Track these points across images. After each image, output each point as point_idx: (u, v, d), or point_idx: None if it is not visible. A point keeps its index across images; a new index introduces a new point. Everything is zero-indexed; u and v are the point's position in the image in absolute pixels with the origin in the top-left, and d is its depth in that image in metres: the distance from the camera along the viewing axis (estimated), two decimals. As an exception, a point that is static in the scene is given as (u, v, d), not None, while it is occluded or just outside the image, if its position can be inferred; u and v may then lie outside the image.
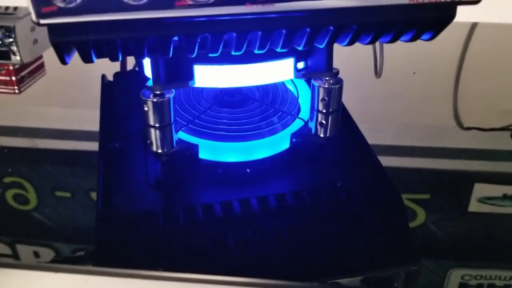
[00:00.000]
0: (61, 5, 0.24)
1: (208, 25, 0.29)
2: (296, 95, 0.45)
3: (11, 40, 0.63)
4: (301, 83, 0.46)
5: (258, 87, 0.45)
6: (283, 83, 0.46)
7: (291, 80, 0.45)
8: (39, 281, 0.29)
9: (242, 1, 0.27)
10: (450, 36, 0.72)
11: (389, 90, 0.59)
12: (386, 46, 0.62)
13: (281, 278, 0.32)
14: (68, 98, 0.56)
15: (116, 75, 0.51)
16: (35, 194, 0.41)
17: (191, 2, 0.27)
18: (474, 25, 0.74)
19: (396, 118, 0.54)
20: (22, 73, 0.61)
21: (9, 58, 0.62)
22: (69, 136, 0.51)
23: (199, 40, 0.30)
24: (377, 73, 0.60)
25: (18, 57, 0.63)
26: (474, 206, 0.41)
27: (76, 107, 0.55)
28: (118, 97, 0.43)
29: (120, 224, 0.36)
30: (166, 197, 0.39)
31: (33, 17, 0.26)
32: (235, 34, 0.30)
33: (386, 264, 0.35)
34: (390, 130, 0.52)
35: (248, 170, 0.39)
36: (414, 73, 0.57)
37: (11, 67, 0.61)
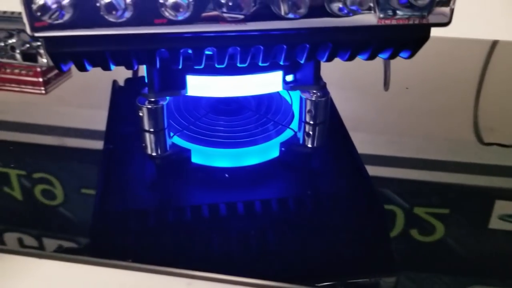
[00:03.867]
0: (49, 21, 0.28)
1: (186, 40, 0.32)
2: (290, 104, 0.47)
3: (38, 43, 0.68)
4: (296, 93, 0.48)
5: (254, 96, 0.48)
6: (278, 92, 0.48)
7: (286, 90, 0.48)
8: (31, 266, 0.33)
9: (216, 19, 0.30)
10: (472, 53, 0.73)
11: (410, 104, 0.60)
12: (411, 61, 0.64)
13: (259, 278, 0.35)
14: (92, 99, 0.59)
15: (127, 81, 0.54)
16: (62, 190, 0.45)
17: (168, 20, 0.29)
18: (495, 43, 0.75)
19: (416, 131, 0.55)
20: (49, 75, 0.65)
21: (36, 61, 0.67)
22: (95, 136, 0.54)
23: (181, 53, 0.33)
24: (385, 85, 0.61)
25: (45, 60, 0.67)
26: (494, 223, 0.41)
27: (100, 109, 0.58)
28: (126, 102, 0.46)
29: (113, 220, 0.40)
30: (157, 197, 0.42)
31: (28, 30, 0.29)
32: (215, 49, 0.33)
33: (363, 272, 0.36)
34: (409, 143, 0.53)
35: (226, 175, 0.42)
36: (407, 88, 0.58)
37: (38, 69, 0.66)
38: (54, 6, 0.27)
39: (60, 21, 0.28)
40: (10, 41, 0.67)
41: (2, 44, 0.67)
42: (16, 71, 0.65)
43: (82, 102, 0.60)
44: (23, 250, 0.38)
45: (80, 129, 0.56)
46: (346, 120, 0.55)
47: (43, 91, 0.63)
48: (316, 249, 0.38)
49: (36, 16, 0.28)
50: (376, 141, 0.53)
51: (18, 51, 0.66)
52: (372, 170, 0.48)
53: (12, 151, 0.51)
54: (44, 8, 0.27)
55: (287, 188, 0.43)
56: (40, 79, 0.65)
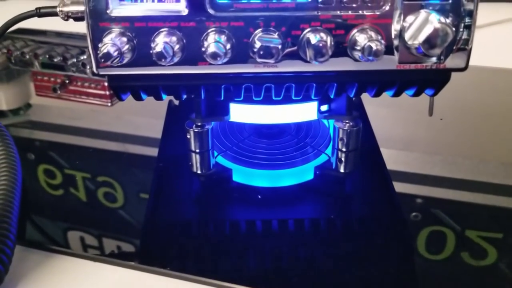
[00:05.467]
0: (112, 64, 0.34)
1: (226, 78, 0.37)
2: (327, 128, 0.52)
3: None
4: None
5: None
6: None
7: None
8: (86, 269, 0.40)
9: (248, 60, 0.36)
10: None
11: (466, 126, 0.63)
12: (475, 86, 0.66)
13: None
14: (153, 110, 0.64)
15: (182, 100, 0.61)
16: (122, 194, 0.51)
17: (209, 63, 0.35)
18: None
19: (471, 154, 0.58)
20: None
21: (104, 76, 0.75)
22: (154, 144, 0.60)
23: (222, 87, 0.39)
24: (430, 110, 0.64)
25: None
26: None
27: (160, 119, 0.61)
28: (179, 121, 0.52)
29: (161, 230, 0.46)
30: (200, 211, 0.48)
31: (94, 69, 0.36)
32: (251, 85, 0.39)
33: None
34: (464, 165, 0.55)
35: (259, 196, 0.47)
36: (441, 119, 0.60)
37: (105, 83, 0.74)
38: (115, 54, 0.33)
39: (120, 64, 0.35)
40: (81, 58, 0.76)
41: (75, 60, 0.76)
42: (86, 84, 0.74)
43: (143, 112, 0.66)
44: (76, 252, 0.43)
45: (141, 137, 0.62)
46: (397, 140, 0.59)
47: (109, 104, 0.71)
48: (341, 269, 0.42)
49: (100, 61, 0.34)
50: (430, 161, 0.55)
51: (88, 67, 0.75)
52: (425, 190, 0.51)
53: (78, 154, 0.58)
54: (108, 55, 0.33)
55: (319, 210, 0.47)
56: (107, 92, 0.72)
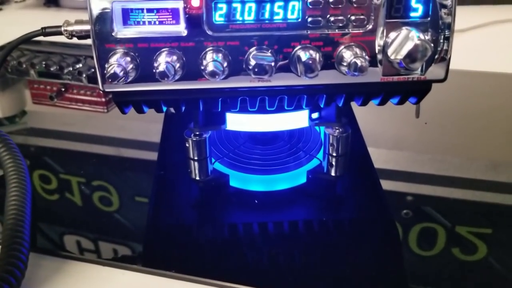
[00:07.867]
0: (118, 83, 0.38)
1: (223, 92, 0.41)
2: (319, 134, 0.56)
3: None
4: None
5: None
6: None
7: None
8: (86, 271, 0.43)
9: (244, 75, 0.39)
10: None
11: (453, 127, 0.66)
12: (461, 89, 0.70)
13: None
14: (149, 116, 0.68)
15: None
16: (118, 198, 0.54)
17: (208, 79, 0.39)
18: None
19: (460, 151, 0.61)
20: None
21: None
22: (148, 147, 0.63)
23: (219, 100, 0.43)
24: (416, 113, 0.67)
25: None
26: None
27: (155, 122, 0.64)
28: (176, 128, 0.55)
29: (163, 234, 0.49)
30: (200, 215, 0.51)
31: (100, 86, 0.40)
32: (247, 98, 0.42)
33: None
34: (453, 162, 0.58)
35: (256, 201, 0.51)
36: (426, 123, 0.64)
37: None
38: (121, 73, 0.37)
39: (124, 82, 0.38)
40: (77, 66, 0.79)
41: (71, 68, 0.80)
42: (82, 92, 0.77)
43: (139, 116, 0.69)
44: (77, 255, 0.45)
45: (136, 141, 0.65)
46: (388, 140, 0.62)
47: (105, 110, 0.74)
48: (334, 268, 0.45)
49: (107, 80, 0.38)
50: (419, 159, 0.59)
51: (84, 75, 0.78)
52: (415, 188, 0.54)
53: (73, 159, 0.61)
54: (114, 75, 0.37)
55: (311, 212, 0.51)
56: (103, 99, 0.75)
